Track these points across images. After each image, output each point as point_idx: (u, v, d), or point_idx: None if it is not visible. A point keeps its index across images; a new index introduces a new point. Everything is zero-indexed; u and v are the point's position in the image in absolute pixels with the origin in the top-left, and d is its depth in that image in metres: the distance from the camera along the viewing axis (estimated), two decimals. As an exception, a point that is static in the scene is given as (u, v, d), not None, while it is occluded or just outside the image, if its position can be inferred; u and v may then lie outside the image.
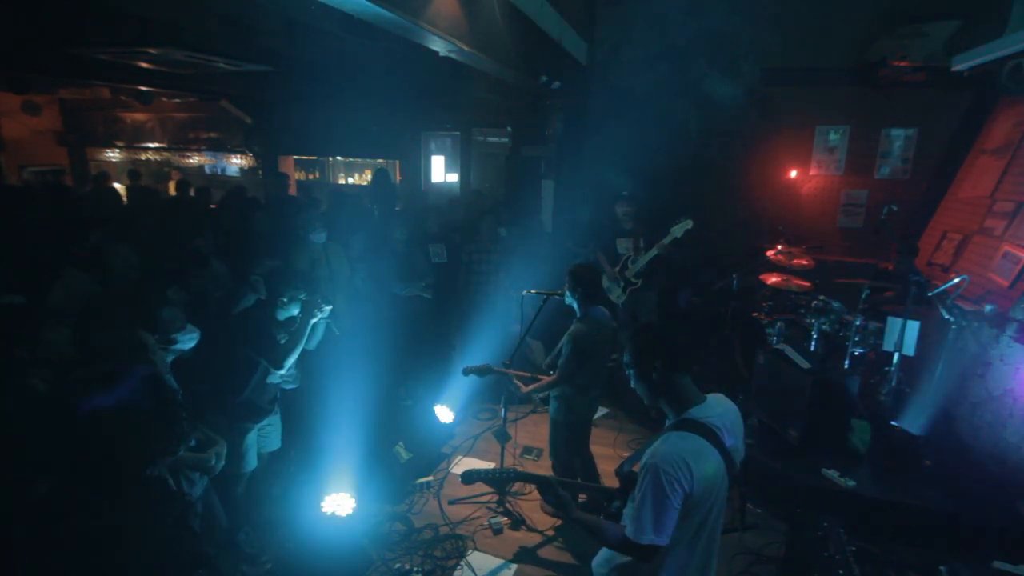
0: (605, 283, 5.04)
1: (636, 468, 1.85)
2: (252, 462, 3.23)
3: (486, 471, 2.20)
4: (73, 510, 1.29)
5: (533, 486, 3.96)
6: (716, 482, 1.69)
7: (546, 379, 3.32)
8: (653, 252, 4.77)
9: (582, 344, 3.14)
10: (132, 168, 10.13)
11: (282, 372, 3.15)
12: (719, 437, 1.70)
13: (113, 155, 11.35)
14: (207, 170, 11.01)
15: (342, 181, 10.55)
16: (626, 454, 4.44)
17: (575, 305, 3.27)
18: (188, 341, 2.64)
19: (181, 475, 2.54)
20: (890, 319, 3.99)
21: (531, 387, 3.33)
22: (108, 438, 1.30)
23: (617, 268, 5.05)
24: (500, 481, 2.20)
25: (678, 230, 4.63)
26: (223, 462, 2.72)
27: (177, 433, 1.44)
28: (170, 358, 2.62)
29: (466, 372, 3.52)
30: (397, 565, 3.20)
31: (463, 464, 4.28)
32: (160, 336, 2.50)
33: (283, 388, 3.73)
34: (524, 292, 4.00)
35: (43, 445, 1.67)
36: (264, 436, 3.32)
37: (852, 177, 6.28)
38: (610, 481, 3.88)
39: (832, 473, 3.49)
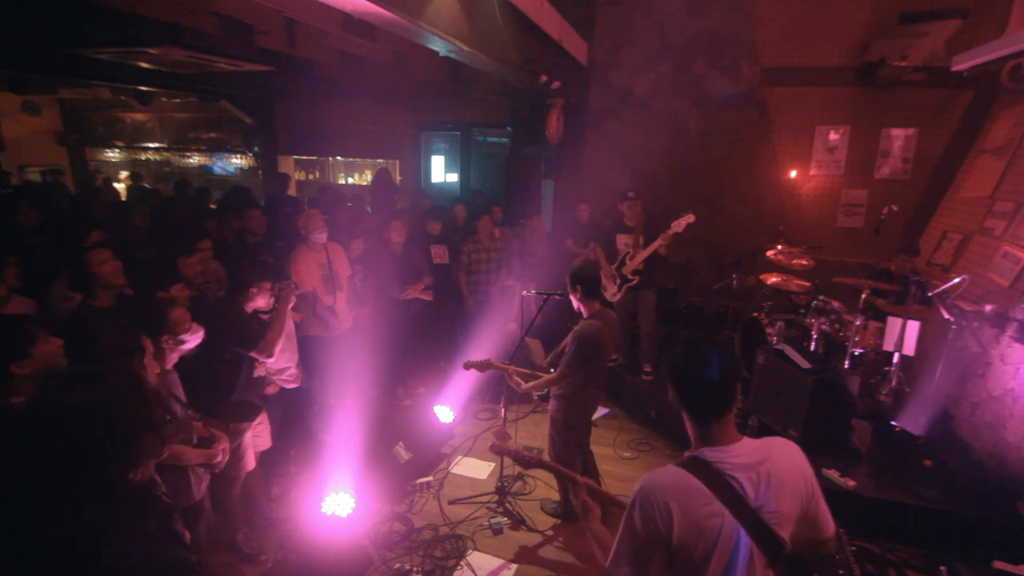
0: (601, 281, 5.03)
1: None
2: (250, 462, 3.24)
3: (517, 450, 2.19)
4: (53, 513, 1.28)
5: (534, 485, 3.98)
6: (719, 540, 1.34)
7: (545, 376, 3.32)
8: (655, 246, 4.74)
9: (587, 343, 3.14)
10: (135, 170, 10.15)
11: (271, 361, 3.15)
12: (734, 492, 1.35)
13: (113, 155, 11.36)
14: (207, 170, 11.02)
15: (342, 181, 10.55)
16: (626, 454, 4.47)
17: (582, 307, 3.27)
18: (193, 340, 2.65)
19: (189, 472, 2.55)
20: (890, 319, 3.99)
21: (529, 384, 3.33)
22: (90, 439, 1.29)
23: (614, 266, 5.04)
24: (527, 463, 2.13)
25: (679, 224, 4.62)
26: (227, 457, 2.73)
27: (162, 435, 1.44)
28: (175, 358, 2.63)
29: (467, 366, 3.53)
30: (397, 565, 3.20)
31: (463, 464, 4.28)
32: (170, 336, 2.51)
33: (283, 388, 3.74)
34: (524, 292, 4.01)
35: (23, 445, 1.67)
36: (256, 435, 3.33)
37: (852, 177, 6.28)
38: (609, 482, 3.89)
39: (832, 473, 3.49)
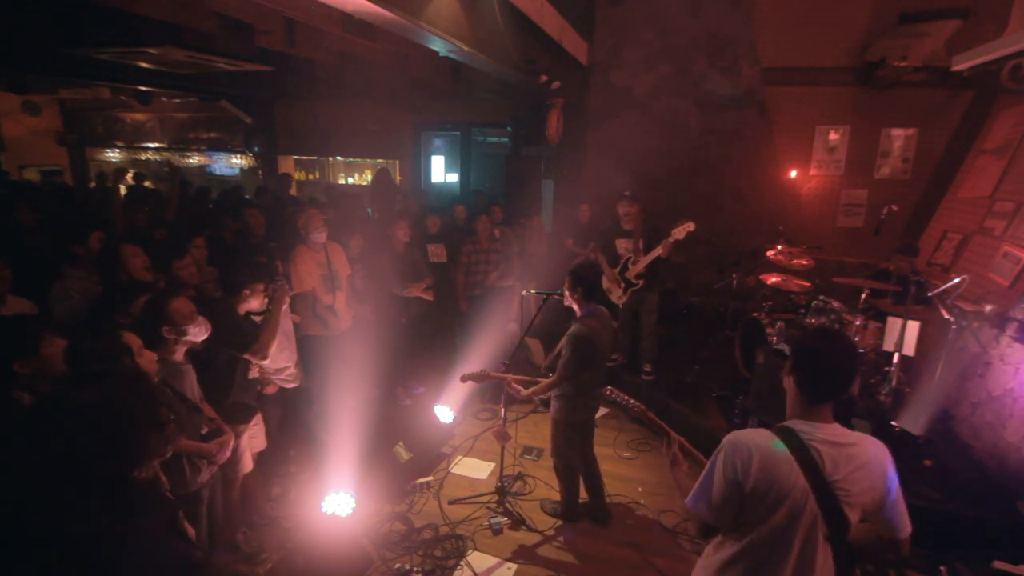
0: (605, 284, 5.03)
1: None
2: (248, 464, 3.24)
3: (625, 398, 2.41)
4: (59, 514, 1.28)
5: (534, 485, 3.98)
6: (788, 497, 1.53)
7: (544, 381, 3.32)
8: (655, 253, 4.75)
9: (582, 345, 3.13)
10: (137, 171, 10.13)
11: (267, 362, 3.14)
12: (813, 460, 1.54)
13: (113, 155, 11.36)
14: (207, 170, 11.03)
15: (342, 181, 10.56)
16: (626, 454, 4.46)
17: (575, 305, 3.27)
18: (199, 333, 2.65)
19: (184, 461, 2.55)
20: (890, 319, 3.99)
21: (529, 391, 3.33)
22: (95, 440, 1.29)
23: (617, 269, 5.04)
24: (629, 410, 2.40)
25: (680, 232, 4.61)
26: (228, 452, 2.73)
27: (166, 434, 1.44)
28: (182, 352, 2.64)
29: (464, 379, 3.51)
30: (397, 565, 3.20)
31: (463, 464, 4.28)
32: (171, 327, 2.51)
33: (282, 388, 3.74)
34: (524, 292, 4.00)
35: (28, 448, 1.67)
36: (252, 436, 3.32)
37: (852, 177, 6.28)
38: (609, 482, 3.89)
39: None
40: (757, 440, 1.59)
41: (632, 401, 2.39)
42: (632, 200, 4.95)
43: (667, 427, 2.10)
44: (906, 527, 1.62)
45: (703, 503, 1.64)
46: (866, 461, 1.57)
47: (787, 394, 1.69)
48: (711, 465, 1.64)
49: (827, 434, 1.58)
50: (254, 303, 3.16)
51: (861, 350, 4.23)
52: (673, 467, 1.94)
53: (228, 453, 2.76)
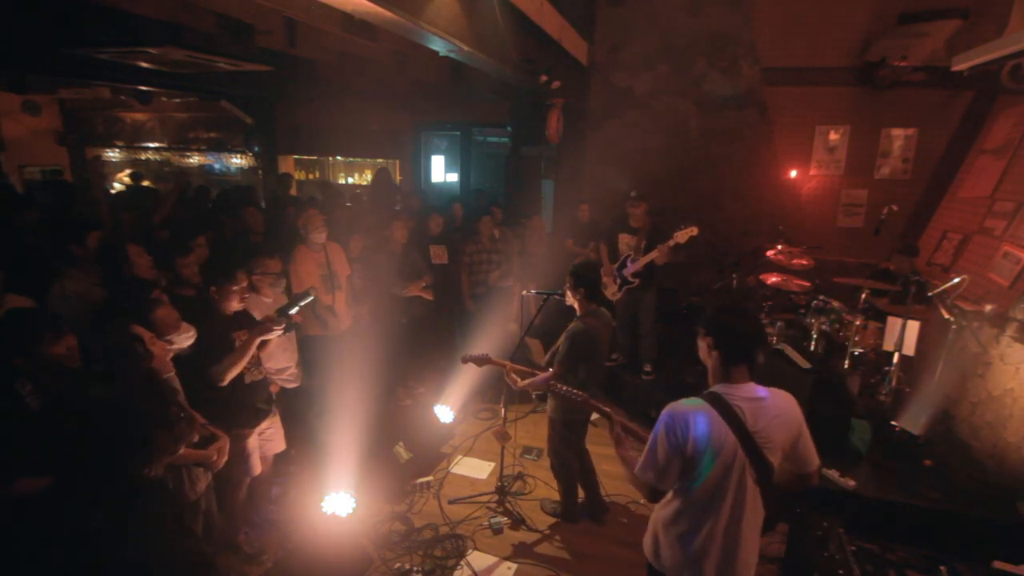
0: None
1: None
2: (256, 467, 3.22)
3: (568, 390, 2.59)
4: (72, 510, 1.29)
5: (534, 484, 3.98)
6: (721, 452, 1.76)
7: (541, 375, 3.32)
8: (653, 255, 4.75)
9: (580, 343, 3.14)
10: (135, 170, 10.14)
11: (223, 384, 2.90)
12: (737, 416, 1.78)
13: (113, 155, 11.36)
14: (207, 170, 11.02)
15: (342, 181, 10.55)
16: (626, 454, 4.46)
17: (575, 304, 3.27)
18: (184, 340, 2.63)
19: (184, 472, 2.54)
20: (890, 319, 3.99)
21: (526, 382, 3.33)
22: (106, 438, 1.30)
23: (615, 265, 5.04)
24: (571, 400, 2.59)
25: (682, 236, 4.60)
26: (226, 457, 2.72)
27: (176, 433, 1.44)
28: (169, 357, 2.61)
29: (464, 360, 3.52)
30: (397, 565, 3.20)
31: (463, 464, 4.28)
32: (154, 337, 2.48)
33: (283, 388, 3.74)
34: (524, 292, 4.00)
35: (41, 445, 1.67)
36: (267, 439, 3.31)
37: (852, 177, 6.28)
38: (609, 482, 3.89)
39: (832, 473, 3.49)
40: (691, 408, 1.81)
41: (575, 391, 2.57)
42: (638, 200, 4.94)
43: (608, 411, 2.30)
44: (815, 461, 1.91)
45: (650, 471, 1.84)
46: (780, 411, 1.85)
47: (708, 368, 1.94)
48: (654, 437, 1.84)
49: (745, 392, 1.83)
50: (234, 303, 3.01)
51: (861, 350, 4.23)
52: (618, 446, 2.12)
53: (225, 458, 2.74)
